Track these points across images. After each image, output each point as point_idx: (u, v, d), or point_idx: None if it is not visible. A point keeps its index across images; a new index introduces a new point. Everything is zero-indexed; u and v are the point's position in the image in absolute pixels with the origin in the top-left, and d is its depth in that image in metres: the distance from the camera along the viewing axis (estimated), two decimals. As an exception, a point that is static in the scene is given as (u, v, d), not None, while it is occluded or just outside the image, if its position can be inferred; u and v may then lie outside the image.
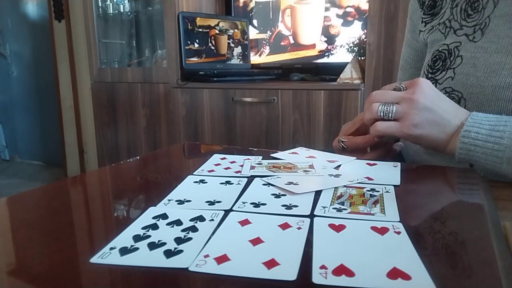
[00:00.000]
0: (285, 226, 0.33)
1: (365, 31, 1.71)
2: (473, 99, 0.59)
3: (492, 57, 0.58)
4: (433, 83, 0.66)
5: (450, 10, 0.66)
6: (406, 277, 0.25)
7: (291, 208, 0.37)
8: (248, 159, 0.55)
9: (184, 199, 0.40)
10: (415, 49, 0.77)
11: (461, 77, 0.61)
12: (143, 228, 0.33)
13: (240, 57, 2.02)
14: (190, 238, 0.31)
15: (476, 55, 0.60)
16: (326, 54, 1.86)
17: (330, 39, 1.84)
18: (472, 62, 0.60)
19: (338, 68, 1.65)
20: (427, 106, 0.50)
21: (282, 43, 1.98)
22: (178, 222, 0.34)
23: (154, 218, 0.35)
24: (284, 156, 0.57)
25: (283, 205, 0.37)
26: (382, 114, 0.51)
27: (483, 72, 0.58)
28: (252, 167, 0.50)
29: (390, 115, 0.51)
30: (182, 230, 0.32)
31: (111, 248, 0.29)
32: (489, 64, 0.58)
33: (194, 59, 1.86)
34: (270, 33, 2.01)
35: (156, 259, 0.28)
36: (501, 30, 0.58)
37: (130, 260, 0.28)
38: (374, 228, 0.32)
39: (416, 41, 0.75)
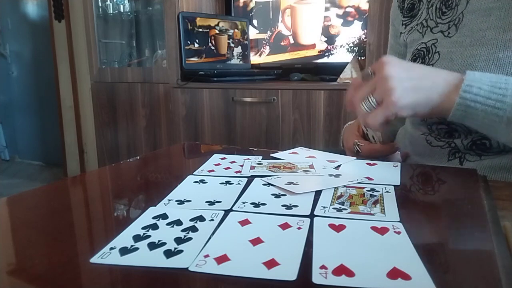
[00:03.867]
0: (285, 226, 0.33)
1: (365, 31, 1.71)
2: None
3: (467, 50, 0.59)
4: None
5: (426, 10, 0.69)
6: (406, 277, 0.25)
7: (291, 208, 0.37)
8: (248, 159, 0.55)
9: (184, 199, 0.40)
10: (399, 53, 0.79)
11: None
12: (143, 228, 0.33)
13: (240, 57, 2.02)
14: (190, 238, 0.31)
15: (452, 49, 0.61)
16: (326, 54, 1.86)
17: (330, 39, 1.84)
18: (449, 57, 0.61)
19: (338, 68, 1.65)
20: (400, 76, 0.49)
21: (282, 43, 1.98)
22: (178, 222, 0.34)
23: (154, 218, 0.35)
24: (284, 156, 0.57)
25: (283, 205, 0.37)
26: (368, 109, 0.50)
27: (460, 65, 0.59)
28: (252, 167, 0.50)
29: (374, 105, 0.50)
30: (182, 230, 0.32)
31: (111, 248, 0.29)
32: (465, 57, 0.59)
33: (194, 59, 1.86)
34: (270, 33, 2.01)
35: (156, 259, 0.28)
36: (474, 24, 0.59)
37: (130, 260, 0.28)
38: (374, 228, 0.32)
39: (399, 45, 0.78)
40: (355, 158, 0.55)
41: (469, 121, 0.50)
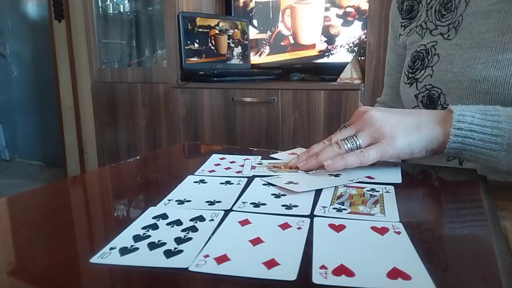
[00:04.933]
0: (285, 226, 0.33)
1: (365, 31, 1.71)
2: (452, 93, 0.61)
3: (467, 52, 0.59)
4: (413, 82, 0.68)
5: (425, 12, 0.69)
6: (406, 277, 0.25)
7: (291, 208, 0.37)
8: (248, 159, 0.55)
9: (184, 199, 0.40)
10: (398, 54, 0.79)
11: (439, 74, 0.63)
12: (143, 228, 0.33)
13: (240, 57, 2.02)
14: (190, 238, 0.31)
15: (452, 52, 0.62)
16: (326, 54, 1.86)
17: (330, 39, 1.84)
18: (448, 59, 0.62)
19: (338, 68, 1.65)
20: (385, 116, 0.47)
21: (282, 43, 1.98)
22: (178, 222, 0.34)
23: (154, 218, 0.35)
24: (284, 156, 0.57)
25: (283, 205, 0.37)
26: (350, 149, 0.47)
27: (459, 67, 0.60)
28: (253, 167, 0.50)
29: (358, 144, 0.47)
30: (182, 230, 0.32)
31: (111, 248, 0.29)
32: (464, 59, 0.59)
33: (194, 59, 1.86)
34: (270, 33, 2.01)
35: (156, 259, 0.28)
36: (473, 27, 0.60)
37: (130, 260, 0.28)
38: (374, 228, 0.32)
39: (399, 46, 0.78)
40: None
41: (466, 153, 0.47)
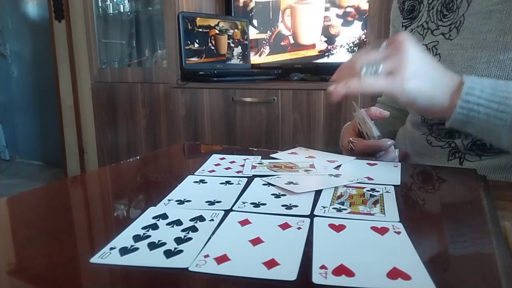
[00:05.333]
0: (285, 226, 0.33)
1: (365, 31, 1.71)
2: None
3: (468, 52, 0.59)
4: None
5: (427, 12, 0.69)
6: (406, 277, 0.25)
7: (291, 208, 0.37)
8: (248, 159, 0.55)
9: (184, 199, 0.40)
10: None
11: None
12: (143, 228, 0.33)
13: (240, 57, 2.02)
14: (190, 238, 0.31)
15: (453, 52, 0.61)
16: (326, 54, 1.86)
17: (330, 39, 1.84)
18: (449, 58, 0.62)
19: (338, 68, 1.64)
20: (417, 57, 0.47)
21: (282, 43, 1.98)
22: (178, 222, 0.34)
23: (154, 218, 0.35)
24: (284, 156, 0.57)
25: (283, 205, 0.37)
26: (369, 73, 0.47)
27: (461, 67, 0.59)
28: (253, 167, 0.50)
29: (378, 72, 0.47)
30: (182, 230, 0.32)
31: (111, 248, 0.29)
32: (466, 59, 0.59)
33: (194, 59, 1.86)
34: (270, 33, 2.01)
35: (156, 259, 0.28)
36: (475, 27, 0.60)
37: (130, 260, 0.28)
38: (374, 228, 0.32)
39: None
40: (355, 158, 0.55)
41: (470, 126, 0.48)
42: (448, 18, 0.64)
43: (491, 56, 0.57)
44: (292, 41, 1.95)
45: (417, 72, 0.47)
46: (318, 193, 0.40)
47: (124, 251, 0.29)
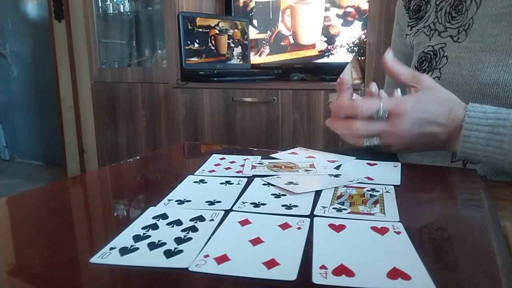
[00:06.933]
0: (285, 226, 0.33)
1: (365, 31, 1.71)
2: (460, 97, 0.60)
3: (477, 56, 0.59)
4: None
5: (434, 13, 0.68)
6: (406, 277, 0.25)
7: (291, 208, 0.37)
8: (248, 159, 0.55)
9: (184, 199, 0.40)
10: (403, 53, 0.78)
11: (447, 77, 0.62)
12: (143, 228, 0.33)
13: (240, 57, 2.02)
14: (190, 238, 0.31)
15: (461, 54, 0.61)
16: (326, 54, 1.86)
17: (330, 39, 1.84)
18: (457, 61, 0.61)
19: (338, 68, 1.63)
20: (412, 132, 0.49)
21: (282, 43, 1.98)
22: (178, 222, 0.34)
23: (154, 218, 0.35)
24: (284, 156, 0.57)
25: (283, 205, 0.37)
26: (369, 144, 0.51)
27: (468, 70, 0.59)
28: (254, 167, 0.50)
29: (374, 145, 0.51)
30: (182, 230, 0.32)
31: (111, 248, 0.29)
32: (474, 62, 0.59)
33: (194, 59, 1.86)
34: (270, 33, 2.01)
35: (156, 259, 0.28)
36: (484, 30, 0.59)
37: (130, 260, 0.28)
38: (374, 228, 0.32)
39: (404, 45, 0.77)
40: (355, 158, 0.55)
41: (475, 161, 0.54)
42: (456, 20, 0.64)
43: (500, 60, 0.56)
44: (292, 41, 1.95)
45: (414, 144, 0.51)
46: (318, 193, 0.40)
47: (124, 251, 0.29)
